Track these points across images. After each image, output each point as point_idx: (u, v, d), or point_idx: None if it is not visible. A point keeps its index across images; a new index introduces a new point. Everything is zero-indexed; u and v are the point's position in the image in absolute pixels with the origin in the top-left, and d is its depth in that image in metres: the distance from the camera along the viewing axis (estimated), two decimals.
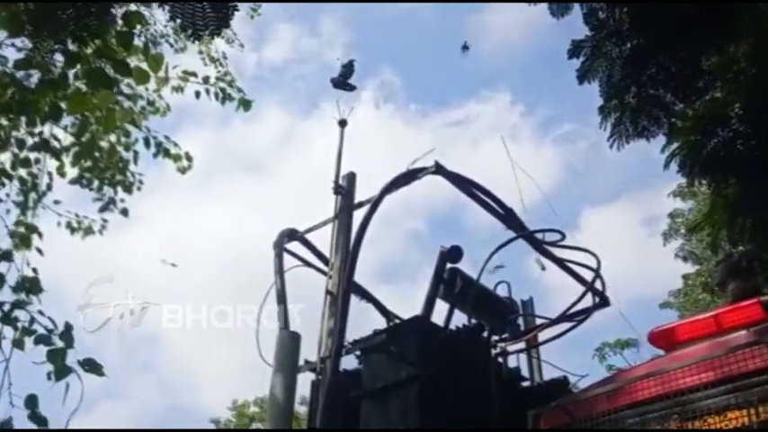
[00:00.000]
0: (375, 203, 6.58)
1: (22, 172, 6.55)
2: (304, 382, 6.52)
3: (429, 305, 7.00)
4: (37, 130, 6.05)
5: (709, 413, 4.02)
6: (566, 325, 7.28)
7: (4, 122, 5.60)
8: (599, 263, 7.16)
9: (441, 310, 6.99)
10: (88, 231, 7.72)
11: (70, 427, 3.84)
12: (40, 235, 6.46)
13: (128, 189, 7.64)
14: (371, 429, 5.83)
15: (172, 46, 8.16)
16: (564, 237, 7.65)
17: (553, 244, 7.81)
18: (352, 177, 7.63)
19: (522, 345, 7.50)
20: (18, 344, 4.88)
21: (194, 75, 7.72)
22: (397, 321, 7.60)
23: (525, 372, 7.48)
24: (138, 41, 6.24)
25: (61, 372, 3.86)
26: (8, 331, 4.92)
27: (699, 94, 7.05)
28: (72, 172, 7.23)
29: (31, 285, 5.07)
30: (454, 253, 7.28)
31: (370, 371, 6.22)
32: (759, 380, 3.90)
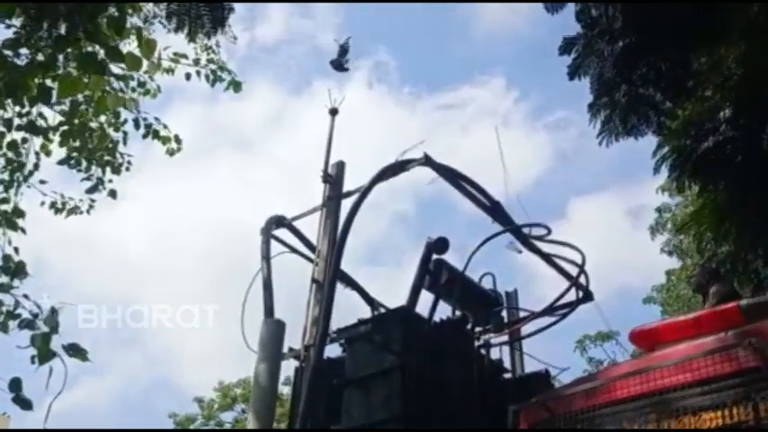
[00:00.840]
0: (363, 194, 6.59)
1: (9, 153, 6.51)
2: (288, 366, 6.59)
3: (414, 295, 7.06)
4: (24, 111, 6.00)
5: (685, 413, 4.10)
6: (549, 318, 7.40)
7: None
8: (584, 258, 7.24)
9: (426, 301, 7.07)
10: (72, 211, 7.68)
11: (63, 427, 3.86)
12: (23, 215, 6.43)
13: (116, 170, 7.59)
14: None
15: (164, 26, 8.08)
16: (550, 231, 7.71)
17: (539, 238, 7.86)
18: (341, 166, 7.63)
19: (505, 337, 7.58)
20: (2, 327, 4.89)
21: (185, 57, 7.66)
22: (382, 310, 7.64)
23: (507, 363, 7.56)
24: (130, 22, 6.20)
25: (45, 356, 3.87)
26: None
27: (689, 94, 7.12)
28: (60, 152, 7.18)
29: (16, 269, 5.06)
30: (440, 244, 7.32)
31: (353, 359, 6.26)
32: (733, 382, 3.98)
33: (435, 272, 7.18)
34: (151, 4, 6.15)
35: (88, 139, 7.25)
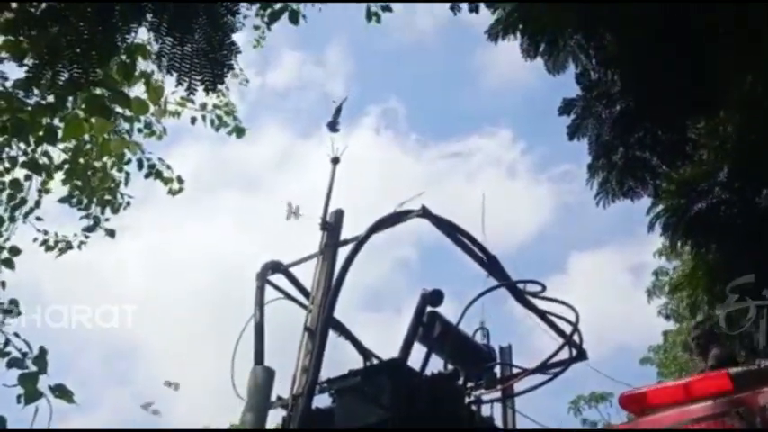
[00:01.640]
0: (359, 244, 6.62)
1: (10, 190, 6.59)
2: (276, 415, 6.52)
3: (406, 348, 7.01)
4: (30, 149, 6.10)
5: None
6: (542, 376, 7.34)
7: None
8: (578, 317, 7.22)
9: (420, 352, 7.03)
10: (65, 249, 7.76)
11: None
12: (18, 253, 6.49)
13: (116, 210, 7.68)
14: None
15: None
16: (545, 288, 7.69)
17: (534, 295, 7.84)
18: (339, 214, 7.68)
19: (497, 393, 7.51)
20: None
21: (192, 102, 7.83)
22: (374, 362, 7.59)
23: (499, 421, 7.47)
24: (139, 68, 6.34)
25: (32, 396, 3.87)
26: None
27: (685, 159, 7.23)
28: (61, 190, 7.28)
29: (8, 307, 5.08)
30: (435, 297, 7.30)
31: (342, 411, 6.19)
32: None
33: (429, 324, 7.15)
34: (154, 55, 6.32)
35: (91, 179, 7.36)
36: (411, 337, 7.08)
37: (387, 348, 7.59)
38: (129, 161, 7.89)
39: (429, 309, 7.34)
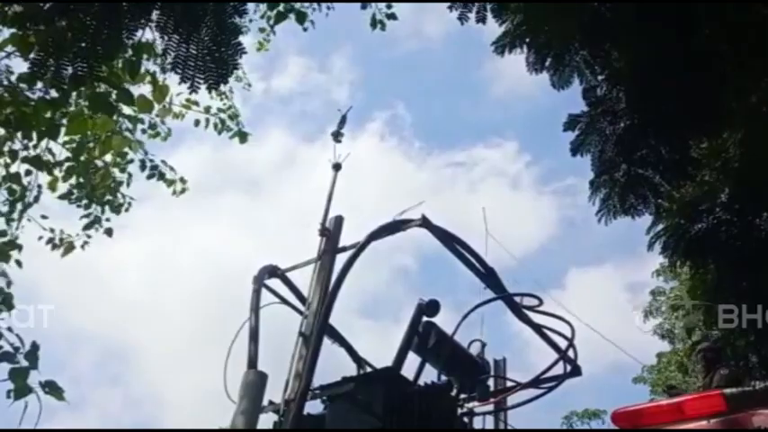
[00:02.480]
0: (357, 252, 6.61)
1: (11, 184, 6.59)
2: (267, 420, 6.48)
3: (401, 357, 6.99)
4: (32, 144, 6.10)
5: None
6: (536, 390, 7.32)
7: (1, 132, 5.64)
8: (573, 332, 7.22)
9: (414, 362, 7.01)
10: (69, 249, 7.72)
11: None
12: (20, 249, 6.47)
13: (116, 210, 7.67)
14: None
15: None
16: (541, 302, 7.69)
17: (531, 308, 7.84)
18: (339, 221, 7.67)
19: (490, 406, 7.49)
20: None
21: (196, 104, 7.84)
22: (368, 370, 7.57)
23: None
24: (145, 67, 6.34)
25: (22, 392, 3.84)
26: None
27: (687, 178, 7.22)
28: (62, 187, 7.27)
29: (3, 301, 5.06)
30: (431, 307, 7.29)
31: (334, 418, 6.17)
32: None
33: (424, 334, 7.14)
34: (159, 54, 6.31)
35: (92, 177, 7.35)
36: (406, 346, 7.05)
37: (382, 357, 7.59)
38: (131, 161, 7.89)
39: (425, 319, 7.34)
